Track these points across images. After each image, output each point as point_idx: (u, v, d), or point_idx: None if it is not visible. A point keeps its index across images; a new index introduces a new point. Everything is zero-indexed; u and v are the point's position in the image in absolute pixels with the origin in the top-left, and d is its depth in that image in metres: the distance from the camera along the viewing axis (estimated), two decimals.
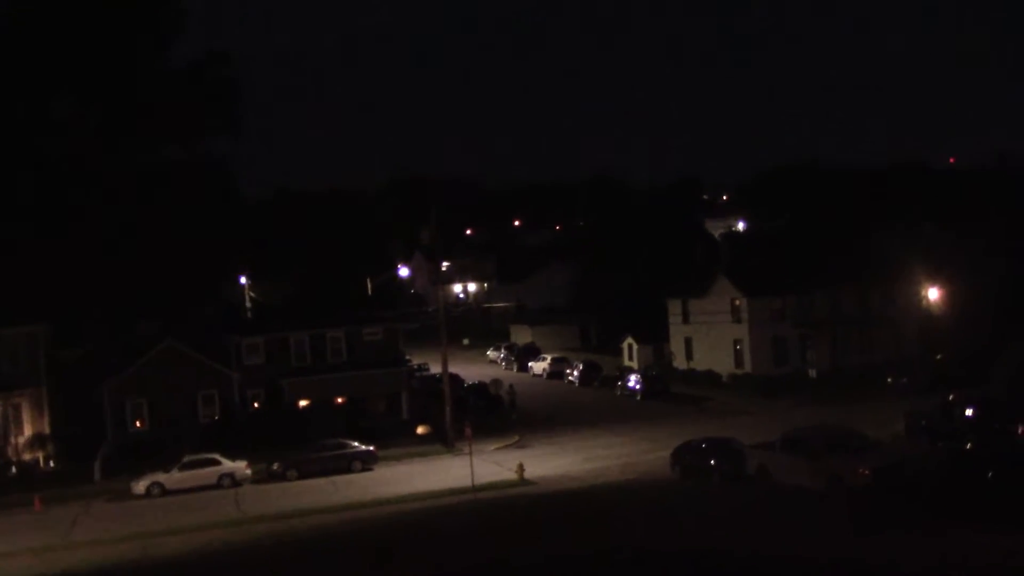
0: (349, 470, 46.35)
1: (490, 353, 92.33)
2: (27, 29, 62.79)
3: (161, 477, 44.83)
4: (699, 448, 37.36)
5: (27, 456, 51.67)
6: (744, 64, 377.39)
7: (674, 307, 74.06)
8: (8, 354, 52.48)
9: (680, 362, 73.05)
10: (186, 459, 46.03)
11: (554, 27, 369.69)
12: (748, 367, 66.10)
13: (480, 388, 66.11)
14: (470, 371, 78.08)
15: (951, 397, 40.85)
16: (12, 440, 51.65)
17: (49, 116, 65.53)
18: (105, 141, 67.25)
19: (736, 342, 67.41)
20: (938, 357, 62.33)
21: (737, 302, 67.19)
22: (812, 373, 64.75)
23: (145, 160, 70.49)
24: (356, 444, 47.82)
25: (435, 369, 71.51)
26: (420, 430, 55.18)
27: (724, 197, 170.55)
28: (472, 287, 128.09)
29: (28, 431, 52.30)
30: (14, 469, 50.44)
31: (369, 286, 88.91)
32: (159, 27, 66.58)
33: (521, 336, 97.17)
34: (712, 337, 69.02)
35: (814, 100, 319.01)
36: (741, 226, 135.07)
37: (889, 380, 59.08)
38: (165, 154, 71.49)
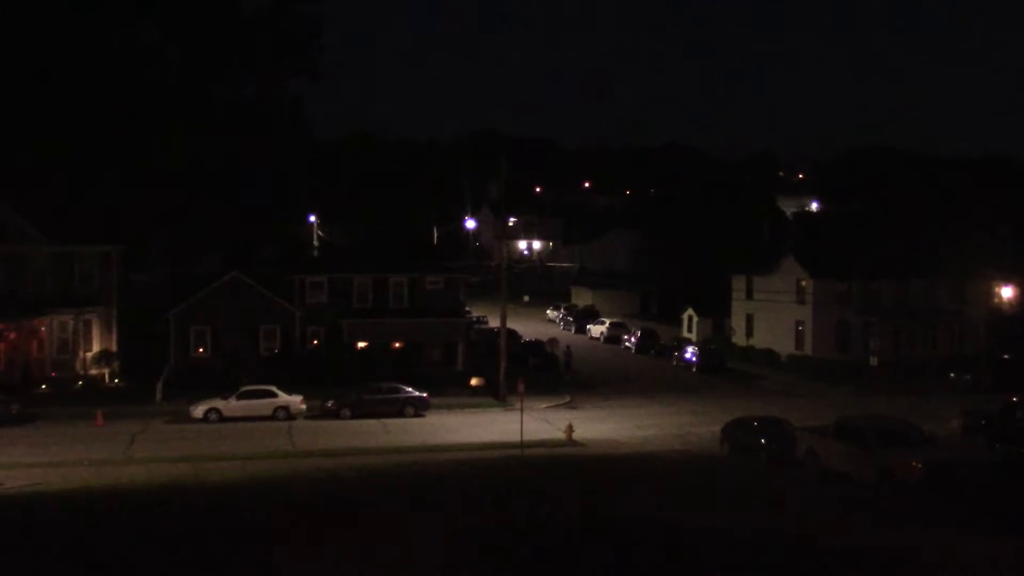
0: (401, 414, 47.03)
1: (549, 312, 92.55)
2: None
3: (219, 404, 45.94)
4: (750, 426, 37.14)
5: (93, 371, 53.34)
6: (834, 40, 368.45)
7: (738, 282, 73.37)
8: (82, 272, 54.07)
9: (739, 338, 72.48)
10: (244, 389, 47.11)
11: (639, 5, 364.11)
12: (808, 349, 65.35)
13: (536, 346, 66.38)
14: (528, 328, 78.42)
15: (1014, 399, 39.99)
16: (80, 354, 53.31)
17: (134, 47, 66.61)
18: (186, 75, 68.26)
19: (798, 323, 66.63)
20: (1004, 357, 60.96)
21: (803, 283, 66.30)
22: (873, 361, 63.81)
23: (224, 95, 71.48)
24: (410, 389, 48.45)
25: (493, 323, 71.96)
26: (474, 382, 55.67)
27: (799, 176, 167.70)
28: (537, 245, 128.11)
29: (96, 347, 53.97)
30: (80, 383, 52.13)
31: (435, 235, 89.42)
32: None
33: (581, 298, 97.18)
34: (774, 316, 68.30)
35: (902, 83, 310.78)
36: (814, 206, 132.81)
37: (951, 376, 58.01)
38: (244, 90, 72.44)
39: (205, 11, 67.04)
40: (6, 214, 52.55)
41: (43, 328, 52.82)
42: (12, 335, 51.96)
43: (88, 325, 53.78)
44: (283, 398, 46.83)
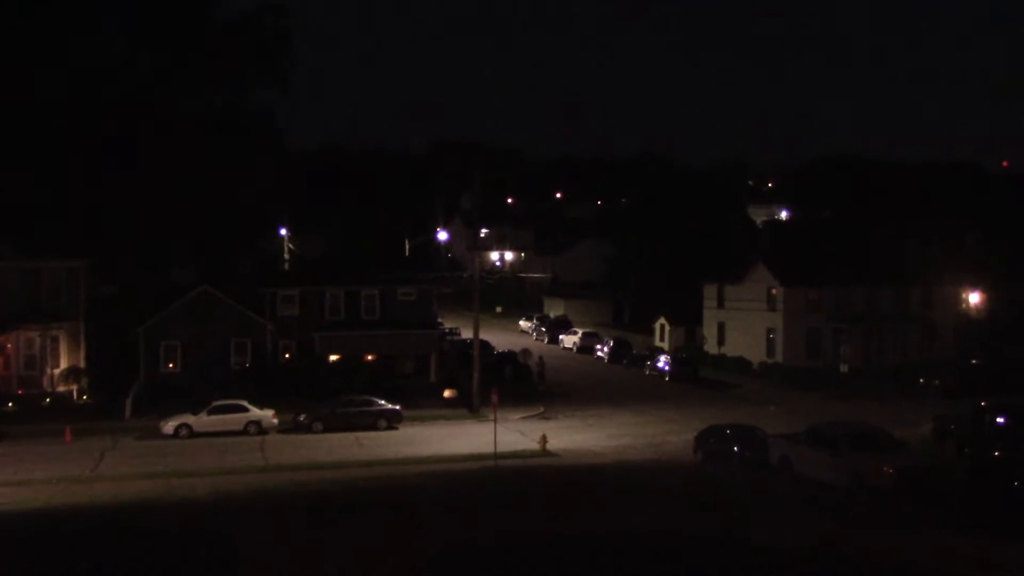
0: (375, 427, 46.76)
1: (522, 323, 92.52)
2: None
3: (189, 419, 45.49)
4: (723, 434, 37.28)
5: (61, 388, 52.66)
6: (800, 52, 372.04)
7: (709, 291, 73.72)
8: (49, 286, 53.40)
9: (711, 347, 72.78)
10: (215, 404, 46.66)
11: (609, 2, 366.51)
12: (780, 357, 65.74)
13: (509, 356, 66.32)
14: (501, 339, 78.33)
15: (983, 404, 40.35)
16: (47, 371, 52.63)
17: (102, 57, 66.00)
18: (154, 86, 67.73)
19: (769, 331, 67.03)
20: (973, 362, 61.61)
21: (774, 291, 66.75)
22: (844, 368, 64.27)
23: (193, 106, 70.96)
24: (383, 402, 48.20)
25: (466, 334, 71.81)
26: (447, 393, 55.50)
27: (769, 184, 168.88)
28: (509, 256, 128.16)
29: (63, 363, 53.28)
30: (48, 400, 51.45)
31: (407, 247, 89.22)
32: None
33: (554, 308, 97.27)
34: (746, 324, 68.67)
35: (868, 91, 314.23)
36: (784, 214, 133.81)
37: (921, 381, 58.51)
38: (213, 102, 71.94)
39: (174, 23, 66.57)
40: None
41: (9, 345, 52.12)
42: None
43: (55, 341, 53.11)
44: (255, 412, 46.44)
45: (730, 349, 70.55)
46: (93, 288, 56.72)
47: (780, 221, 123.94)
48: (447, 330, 75.79)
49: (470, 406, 52.52)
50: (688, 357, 68.17)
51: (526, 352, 66.25)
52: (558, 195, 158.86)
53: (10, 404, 50.30)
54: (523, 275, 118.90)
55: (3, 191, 58.99)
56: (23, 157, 61.02)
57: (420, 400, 53.24)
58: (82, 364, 53.59)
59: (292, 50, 69.91)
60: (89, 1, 63.37)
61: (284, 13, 68.96)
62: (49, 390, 52.19)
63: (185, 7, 66.77)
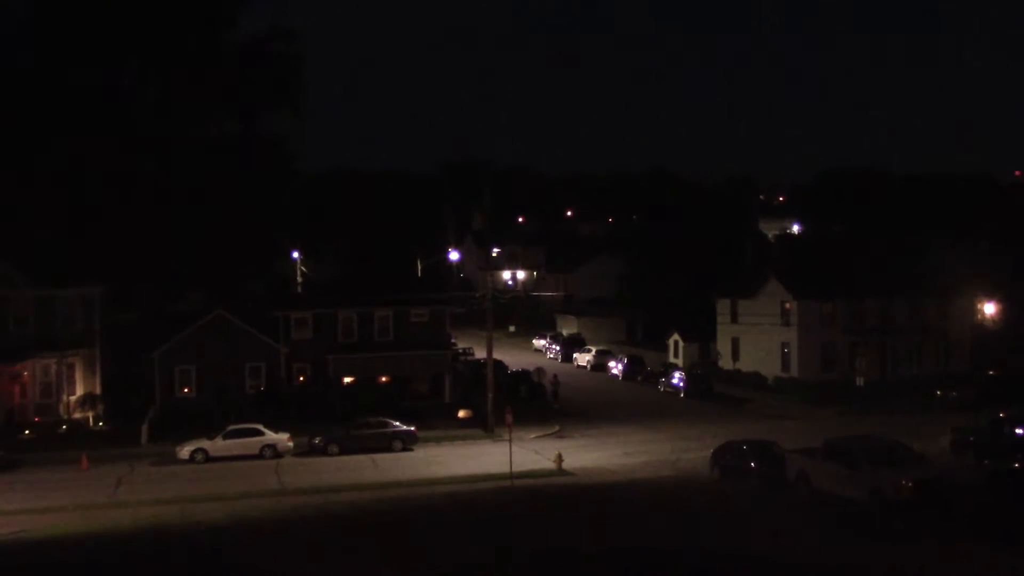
0: (389, 449, 46.70)
1: (536, 341, 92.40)
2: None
3: (205, 444, 45.54)
4: (740, 450, 37.09)
5: (77, 415, 52.83)
6: (809, 65, 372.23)
7: (723, 306, 73.53)
8: (64, 314, 53.65)
9: (726, 362, 72.54)
10: (230, 428, 46.70)
11: (616, 20, 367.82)
12: (795, 371, 65.45)
13: (524, 376, 66.24)
14: (515, 358, 78.22)
15: (1001, 415, 40.11)
16: (64, 398, 52.83)
17: (115, 85, 66.58)
18: (167, 112, 68.24)
19: (784, 345, 66.77)
20: (990, 373, 61.21)
21: (787, 305, 66.53)
22: (860, 381, 63.93)
23: (205, 132, 71.46)
24: (397, 423, 48.17)
25: (480, 354, 71.76)
26: (461, 414, 55.44)
27: (780, 198, 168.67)
28: (521, 275, 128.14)
29: (79, 390, 53.48)
30: (64, 427, 51.61)
31: (419, 268, 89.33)
32: (220, 1, 67.32)
33: (567, 326, 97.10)
34: (760, 339, 68.42)
35: (878, 103, 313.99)
36: (796, 228, 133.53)
37: (938, 393, 58.16)
38: (225, 127, 72.44)
39: (184, 50, 67.09)
40: None
41: (26, 373, 52.36)
42: None
43: (71, 368, 53.32)
44: (270, 436, 46.47)
45: (744, 364, 70.29)
46: (108, 315, 56.97)
47: (792, 235, 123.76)
48: (460, 350, 75.72)
49: (485, 426, 52.43)
50: (702, 373, 67.96)
51: (540, 371, 66.14)
52: (569, 213, 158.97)
53: (27, 432, 50.48)
54: (535, 294, 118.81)
55: (19, 220, 59.48)
56: (38, 185, 61.55)
57: (435, 421, 53.19)
58: (98, 391, 53.78)
59: (302, 75, 70.43)
60: (100, 29, 63.83)
61: (293, 38, 69.53)
62: (65, 417, 52.36)
63: (195, 34, 67.33)
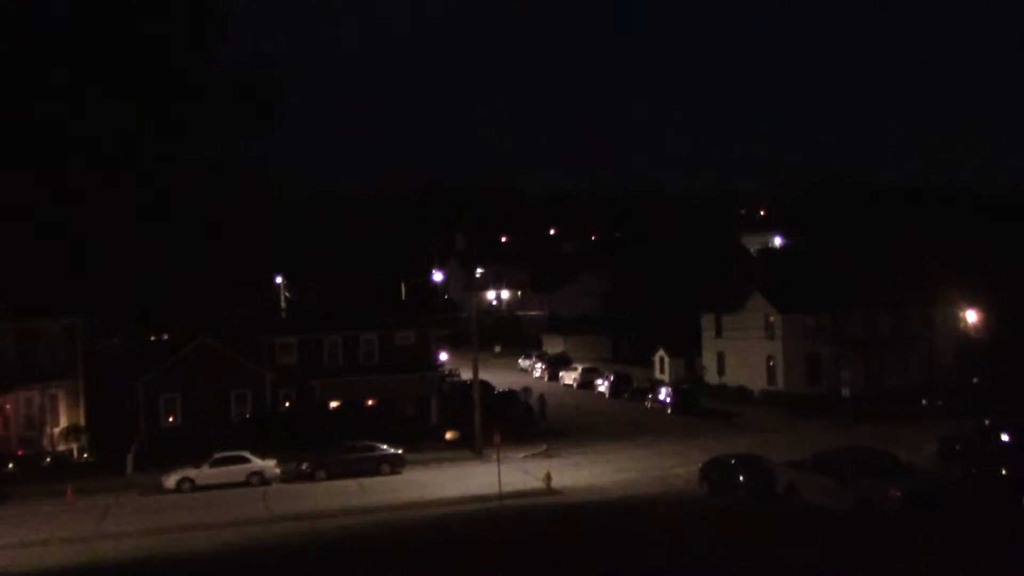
0: (377, 472, 46.47)
1: (521, 361, 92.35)
2: (71, 27, 63.66)
3: (191, 473, 45.20)
4: (728, 464, 37.09)
5: (61, 446, 52.35)
6: (785, 77, 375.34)
7: (707, 321, 73.76)
8: (46, 345, 53.22)
9: (712, 377, 72.67)
10: (216, 456, 46.36)
11: (591, 39, 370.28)
12: (780, 384, 65.66)
13: (510, 396, 66.14)
14: (501, 378, 78.15)
15: (987, 422, 40.29)
16: (47, 430, 52.36)
17: (89, 113, 66.31)
18: (143, 139, 68.00)
19: (769, 359, 66.99)
20: (974, 381, 61.55)
21: (771, 318, 66.80)
22: (845, 393, 64.17)
23: (183, 159, 71.26)
24: (385, 447, 47.94)
25: (466, 375, 71.64)
26: (449, 435, 55.26)
27: (761, 212, 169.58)
28: (505, 295, 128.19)
29: (63, 422, 53.00)
30: (48, 459, 51.13)
31: (403, 290, 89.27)
32: (201, 29, 67.29)
33: (553, 345, 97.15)
34: (745, 353, 68.63)
35: (857, 116, 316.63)
36: (778, 242, 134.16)
37: (924, 402, 58.41)
38: (204, 154, 72.27)
39: (161, 78, 66.96)
40: None
41: (8, 406, 51.88)
42: None
43: (55, 399, 52.85)
44: (257, 463, 46.16)
45: (731, 378, 70.45)
46: (91, 345, 56.58)
47: (774, 249, 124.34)
48: (447, 372, 75.61)
49: (473, 447, 52.26)
50: (689, 388, 68.04)
51: (527, 390, 66.12)
52: (552, 232, 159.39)
53: (10, 465, 49.97)
54: (520, 313, 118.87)
55: (3, 252, 59.06)
56: (16, 216, 61.16)
57: (422, 443, 52.98)
58: (82, 422, 53.30)
59: (279, 100, 70.24)
60: (75, 53, 63.56)
61: (271, 63, 69.48)
62: (50, 449, 51.88)
63: (174, 59, 67.23)
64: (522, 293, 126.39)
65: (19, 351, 52.56)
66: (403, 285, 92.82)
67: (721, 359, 72.18)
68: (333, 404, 57.78)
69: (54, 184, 62.04)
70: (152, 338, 66.00)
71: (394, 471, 46.93)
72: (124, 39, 64.79)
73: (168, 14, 66.23)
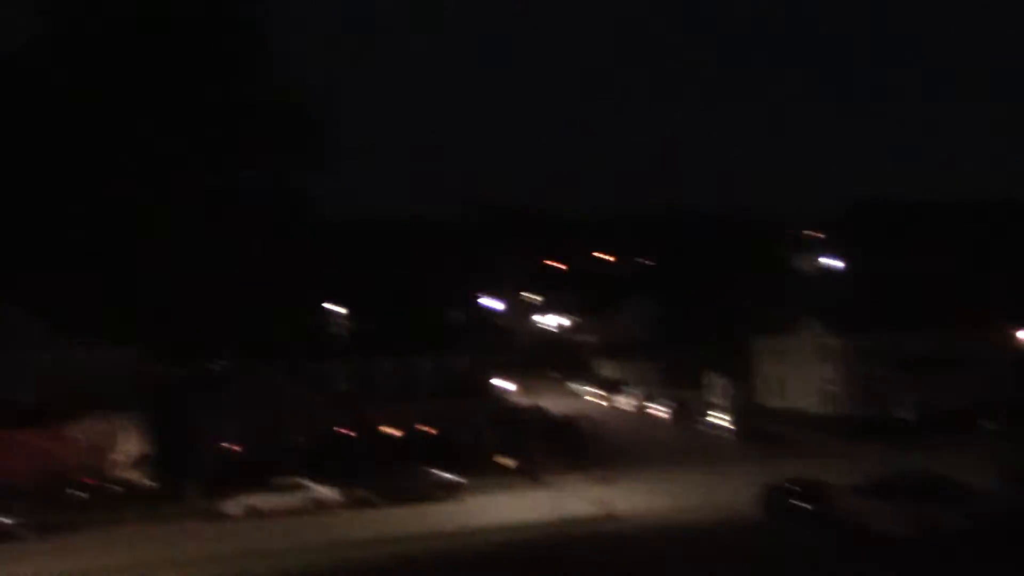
0: (434, 499, 46.75)
1: (574, 386, 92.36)
2: (119, 55, 65.33)
3: (252, 499, 45.86)
4: (787, 489, 36.87)
5: (125, 474, 53.34)
6: (836, 98, 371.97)
7: (761, 344, 73.29)
8: (109, 374, 54.40)
9: (767, 400, 72.10)
10: (275, 482, 47.02)
11: (635, 63, 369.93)
12: (838, 407, 64.93)
13: (565, 421, 66.13)
14: (555, 403, 78.12)
15: None
16: (113, 458, 53.44)
17: (138, 143, 67.74)
18: (191, 171, 69.36)
19: (826, 381, 66.32)
20: None
21: (826, 340, 66.17)
22: (904, 415, 63.29)
23: (229, 185, 72.53)
24: (441, 473, 48.23)
25: (521, 400, 71.84)
26: (505, 461, 55.36)
27: (812, 232, 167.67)
28: (557, 319, 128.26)
29: (128, 450, 54.07)
30: (114, 486, 52.12)
31: (456, 316, 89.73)
32: (251, 62, 68.74)
33: (606, 369, 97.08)
34: (800, 375, 68.04)
35: (910, 134, 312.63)
36: (830, 262, 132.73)
37: (984, 425, 57.43)
38: (252, 183, 73.53)
39: (207, 109, 68.32)
40: (36, 322, 53.23)
41: (74, 434, 53.05)
42: (44, 443, 52.18)
43: (119, 427, 53.97)
44: (316, 490, 46.72)
45: (787, 401, 69.84)
46: (153, 372, 57.71)
47: (828, 268, 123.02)
48: (501, 397, 75.75)
49: (529, 473, 52.32)
50: (744, 412, 67.56)
51: (581, 416, 66.16)
52: (601, 254, 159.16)
53: (77, 493, 51.02)
54: (573, 338, 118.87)
55: (60, 284, 60.53)
56: (77, 246, 62.66)
57: (478, 469, 53.02)
58: (145, 449, 54.33)
59: (325, 128, 71.32)
60: (122, 79, 65.03)
61: (315, 93, 70.68)
62: (115, 477, 52.90)
63: (219, 86, 68.63)
64: (574, 318, 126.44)
65: (84, 380, 53.77)
66: (456, 311, 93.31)
67: (776, 382, 71.61)
68: (389, 430, 58.23)
69: (112, 216, 63.62)
70: (208, 365, 66.92)
71: (451, 497, 47.17)
72: (173, 72, 66.37)
73: (218, 48, 67.85)
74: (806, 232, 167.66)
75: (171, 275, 64.25)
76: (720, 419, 65.68)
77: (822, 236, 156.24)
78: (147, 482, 53.34)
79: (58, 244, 62.21)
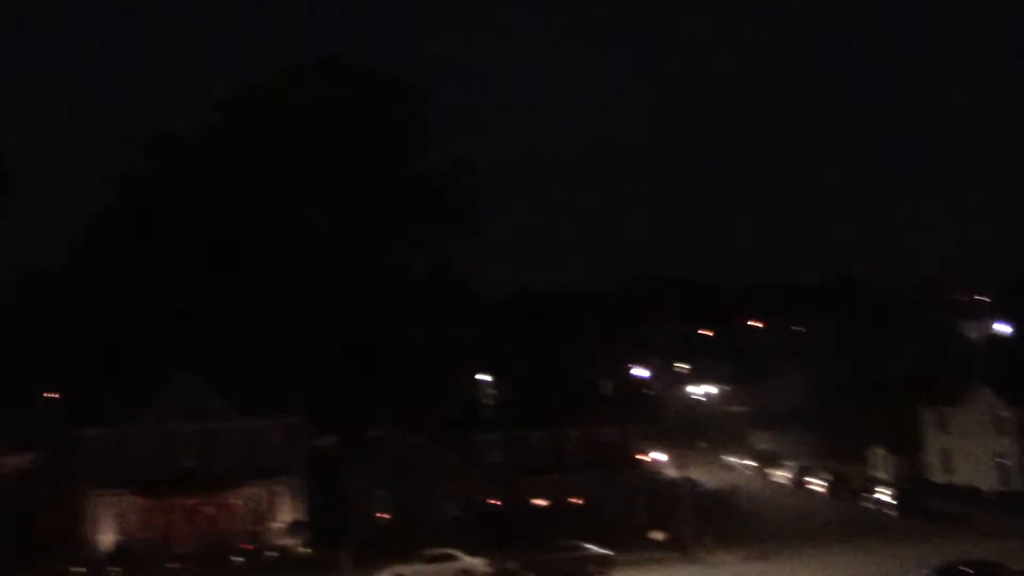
0: (585, 572, 45.98)
1: (728, 458, 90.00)
2: (284, 140, 68.67)
3: (404, 569, 46.20)
4: (961, 572, 34.62)
5: (284, 541, 54.72)
6: (1002, 159, 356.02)
7: (928, 415, 69.76)
8: (270, 443, 56.33)
9: (935, 475, 68.29)
10: (426, 552, 47.22)
11: (780, 129, 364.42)
12: (1015, 484, 60.83)
13: (717, 494, 64.28)
14: (707, 475, 76.21)
15: None
16: (271, 525, 54.97)
17: (301, 223, 70.70)
18: (353, 248, 71.77)
19: (999, 455, 62.37)
20: None
21: (1000, 412, 62.40)
22: None
23: (391, 264, 74.67)
24: (591, 546, 47.48)
25: (671, 472, 70.28)
26: (655, 535, 54.06)
27: (980, 297, 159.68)
28: (708, 389, 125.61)
29: (285, 517, 55.55)
30: (272, 553, 53.49)
31: (605, 386, 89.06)
32: (406, 139, 71.21)
33: (760, 441, 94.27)
34: (972, 449, 64.29)
35: None
36: (1001, 328, 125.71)
37: None
38: (410, 258, 75.56)
39: (368, 188, 70.79)
40: (204, 393, 55.73)
41: (235, 501, 54.91)
42: (207, 509, 54.22)
43: (278, 496, 55.61)
44: (467, 561, 46.69)
45: (956, 477, 65.94)
46: (309, 442, 59.35)
47: (999, 336, 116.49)
48: (651, 469, 74.38)
49: (681, 548, 50.90)
50: (912, 487, 64.14)
51: (735, 489, 64.16)
52: (752, 323, 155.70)
53: (237, 558, 52.59)
54: (724, 408, 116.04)
55: (223, 354, 63.24)
56: (238, 318, 65.48)
57: (628, 543, 51.96)
58: (302, 517, 55.67)
59: (481, 204, 72.92)
60: (289, 172, 68.14)
61: (473, 169, 72.45)
62: (273, 543, 54.32)
63: (381, 166, 71.14)
64: (725, 387, 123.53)
65: (245, 449, 55.82)
66: (605, 381, 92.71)
67: (945, 456, 67.79)
68: (538, 501, 57.84)
69: (271, 292, 66.32)
70: (363, 436, 68.38)
71: (601, 572, 46.32)
72: (334, 151, 69.30)
73: (374, 126, 70.58)
74: (976, 297, 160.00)
75: (340, 348, 66.33)
76: (882, 494, 62.42)
77: (995, 300, 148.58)
78: (302, 549, 54.54)
79: (232, 320, 65.19)
